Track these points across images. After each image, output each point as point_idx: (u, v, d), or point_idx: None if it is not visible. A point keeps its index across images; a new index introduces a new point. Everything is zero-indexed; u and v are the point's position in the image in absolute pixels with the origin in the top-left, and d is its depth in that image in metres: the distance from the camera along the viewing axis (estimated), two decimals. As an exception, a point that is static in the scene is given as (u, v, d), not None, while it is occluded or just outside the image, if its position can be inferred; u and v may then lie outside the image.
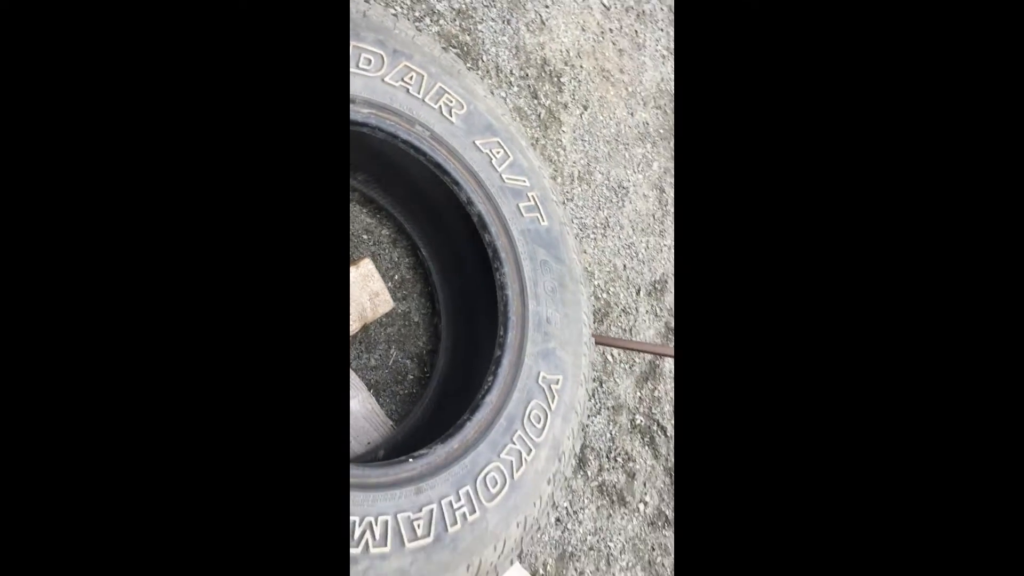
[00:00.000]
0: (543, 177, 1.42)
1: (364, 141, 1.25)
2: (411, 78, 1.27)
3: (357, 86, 1.21)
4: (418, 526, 0.98)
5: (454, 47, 1.72)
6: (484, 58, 1.77)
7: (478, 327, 1.38)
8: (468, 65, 1.72)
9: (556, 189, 1.48)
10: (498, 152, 1.34)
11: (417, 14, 1.69)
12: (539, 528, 1.52)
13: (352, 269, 1.43)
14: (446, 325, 1.54)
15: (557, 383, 1.24)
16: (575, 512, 1.68)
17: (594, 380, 1.86)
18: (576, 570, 1.62)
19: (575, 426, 1.26)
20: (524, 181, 1.36)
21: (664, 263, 2.15)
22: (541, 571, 1.59)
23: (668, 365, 1.99)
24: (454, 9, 1.74)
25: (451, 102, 1.31)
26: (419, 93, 1.27)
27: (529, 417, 1.18)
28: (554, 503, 1.60)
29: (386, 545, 0.95)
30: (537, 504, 1.16)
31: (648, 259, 2.05)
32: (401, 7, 1.67)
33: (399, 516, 0.97)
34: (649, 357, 1.98)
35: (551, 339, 1.27)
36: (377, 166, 1.43)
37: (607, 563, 1.65)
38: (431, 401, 1.45)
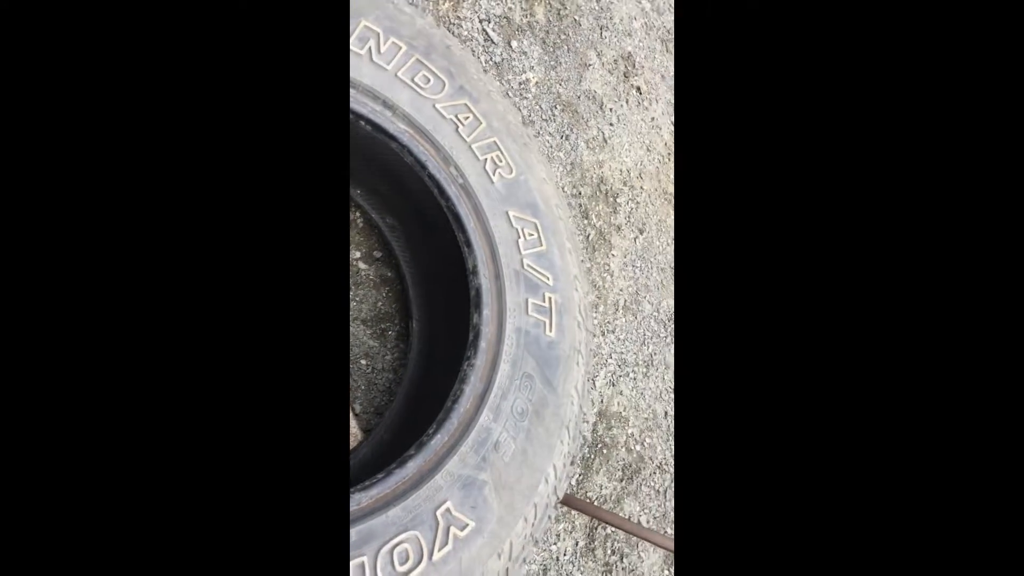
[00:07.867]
0: (573, 288, 1.20)
1: (384, 159, 1.11)
2: (467, 119, 1.13)
3: (403, 98, 1.08)
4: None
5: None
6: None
7: (423, 408, 1.13)
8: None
9: (587, 311, 1.24)
10: (531, 235, 1.15)
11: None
12: None
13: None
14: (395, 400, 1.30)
15: (464, 529, 0.91)
16: None
17: (613, 553, 1.49)
18: None
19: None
20: (548, 279, 1.15)
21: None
22: None
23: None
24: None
25: (500, 161, 1.16)
26: (468, 137, 1.13)
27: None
28: None
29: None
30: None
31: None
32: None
33: None
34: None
35: (485, 470, 0.96)
36: (388, 189, 1.27)
37: None
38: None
